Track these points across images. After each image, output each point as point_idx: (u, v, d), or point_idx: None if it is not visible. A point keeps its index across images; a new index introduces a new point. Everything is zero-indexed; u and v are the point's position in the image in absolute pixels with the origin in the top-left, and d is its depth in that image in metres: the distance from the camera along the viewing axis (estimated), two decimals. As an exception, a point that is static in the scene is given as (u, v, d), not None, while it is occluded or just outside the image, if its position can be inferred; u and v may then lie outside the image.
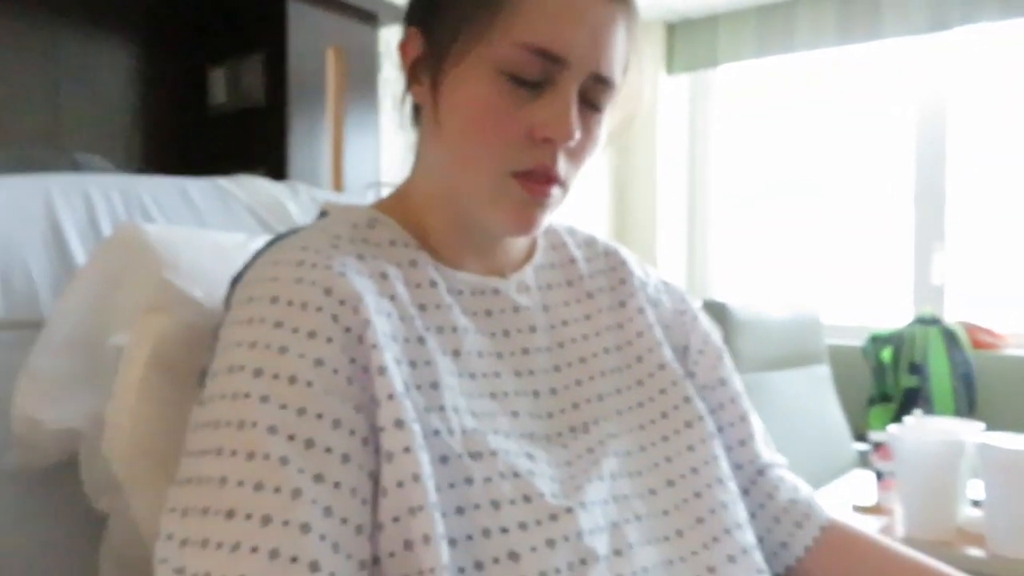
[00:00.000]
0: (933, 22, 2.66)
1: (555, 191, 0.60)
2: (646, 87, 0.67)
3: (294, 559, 0.46)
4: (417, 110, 0.66)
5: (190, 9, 1.84)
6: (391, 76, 2.24)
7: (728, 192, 3.25)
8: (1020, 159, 2.64)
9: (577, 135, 0.57)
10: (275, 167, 1.72)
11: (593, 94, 0.59)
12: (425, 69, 0.61)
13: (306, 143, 1.80)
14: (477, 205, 0.60)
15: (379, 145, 1.96)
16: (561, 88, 0.57)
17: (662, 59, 3.17)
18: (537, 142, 0.57)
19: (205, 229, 0.89)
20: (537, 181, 0.58)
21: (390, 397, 0.52)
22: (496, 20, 0.56)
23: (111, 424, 0.64)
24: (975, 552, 1.14)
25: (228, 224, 0.96)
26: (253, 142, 1.82)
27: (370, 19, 1.91)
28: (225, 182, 1.02)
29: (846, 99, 2.97)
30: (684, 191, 3.29)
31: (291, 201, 1.04)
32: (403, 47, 0.62)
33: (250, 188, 1.03)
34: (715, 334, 0.76)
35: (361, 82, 1.91)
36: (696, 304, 0.78)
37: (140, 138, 1.83)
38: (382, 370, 0.52)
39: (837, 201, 2.98)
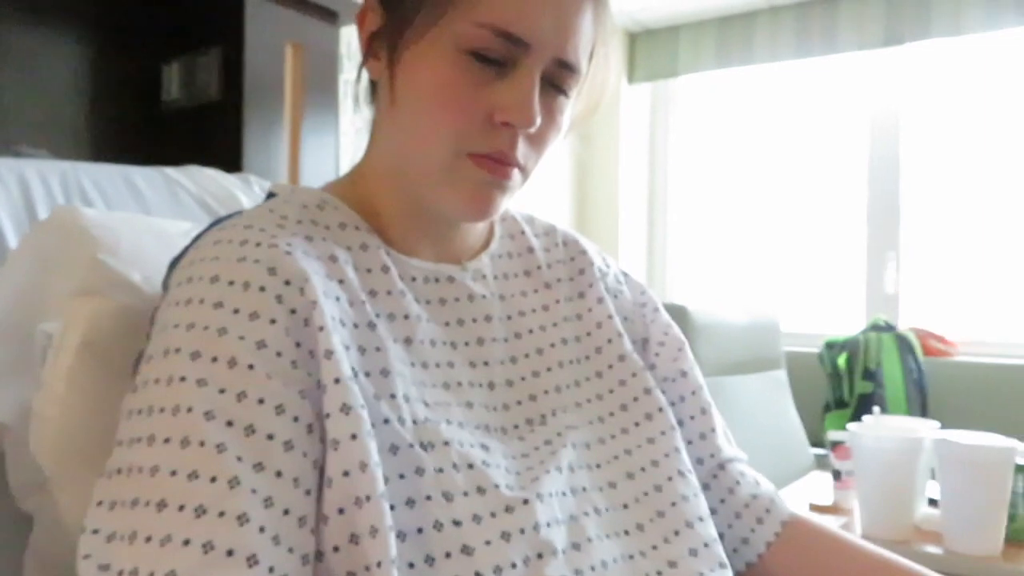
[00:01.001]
0: (887, 37, 2.73)
1: (514, 174, 0.57)
2: (612, 76, 0.65)
3: (230, 552, 0.43)
4: (374, 87, 0.63)
5: (143, 3, 1.79)
6: (352, 76, 2.21)
7: (687, 200, 3.28)
8: (971, 170, 2.71)
9: (538, 121, 0.55)
10: (230, 165, 1.67)
11: (557, 79, 0.57)
12: (383, 43, 0.58)
13: (262, 141, 1.75)
14: (431, 186, 0.58)
15: (338, 145, 1.92)
16: (523, 72, 0.55)
17: (623, 68, 3.19)
18: (496, 126, 0.55)
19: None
20: (496, 161, 0.56)
21: (337, 381, 0.49)
22: None
23: (38, 416, 0.60)
24: (932, 549, 1.15)
25: (176, 214, 0.92)
26: (208, 139, 1.77)
27: (331, 17, 1.87)
28: (173, 172, 0.98)
29: (803, 110, 3.03)
30: (645, 199, 3.31)
31: (243, 193, 1.00)
32: (360, 18, 0.60)
33: (200, 178, 0.99)
34: (675, 326, 0.74)
35: (320, 81, 1.87)
36: (656, 297, 0.77)
37: (90, 134, 1.77)
38: (329, 354, 0.50)
39: (793, 209, 3.03)
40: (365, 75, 0.62)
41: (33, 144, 1.58)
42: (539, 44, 0.54)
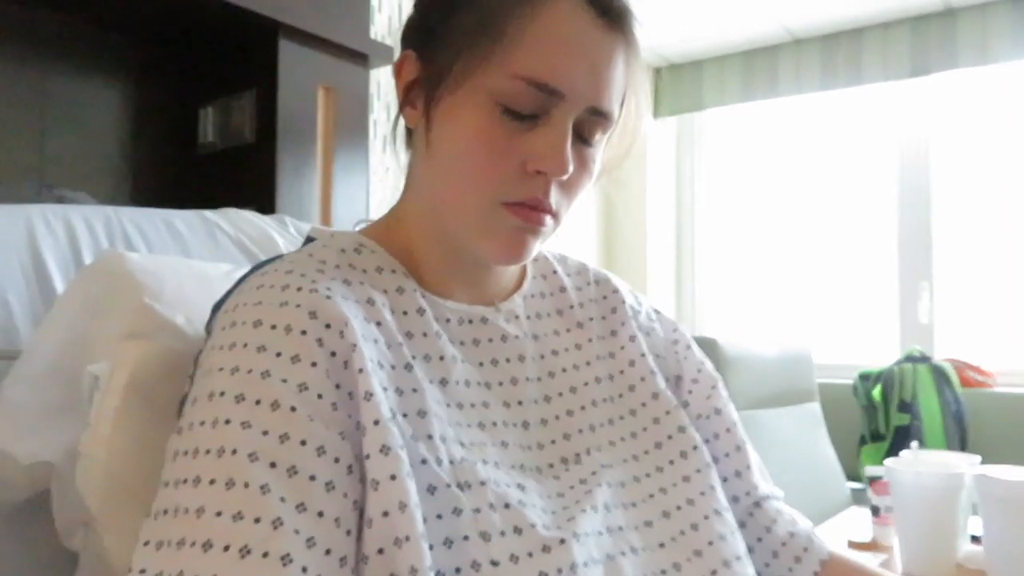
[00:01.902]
0: (913, 68, 2.73)
1: (548, 220, 0.59)
2: (643, 122, 0.66)
3: None
4: (410, 133, 0.65)
5: (181, 48, 1.85)
6: (381, 117, 2.25)
7: (716, 232, 3.27)
8: (1002, 197, 2.67)
9: (571, 169, 0.56)
10: (264, 206, 1.71)
11: (589, 127, 0.58)
12: (419, 93, 0.60)
13: (295, 182, 1.79)
14: (466, 233, 0.59)
15: (368, 185, 1.96)
16: (556, 121, 0.56)
17: (648, 103, 3.22)
18: (530, 174, 0.57)
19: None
20: (531, 209, 0.57)
21: (376, 423, 0.50)
22: (495, 50, 0.55)
23: (85, 455, 0.61)
24: (976, 589, 1.12)
25: (214, 256, 0.94)
26: (242, 181, 1.81)
27: (361, 60, 1.92)
28: (211, 214, 1.01)
29: (830, 141, 3.02)
30: (672, 232, 3.31)
31: (278, 234, 1.03)
32: (398, 68, 0.62)
33: (237, 221, 1.02)
34: (709, 363, 0.75)
35: (351, 122, 1.92)
36: (688, 333, 0.77)
37: (128, 177, 1.82)
38: (368, 395, 0.51)
39: (823, 240, 3.00)
40: (402, 121, 0.64)
41: (74, 187, 1.64)
42: (573, 94, 0.56)
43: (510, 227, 0.58)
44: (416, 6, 0.64)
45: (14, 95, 1.60)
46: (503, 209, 0.57)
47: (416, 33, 0.62)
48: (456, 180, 0.58)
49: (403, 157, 0.66)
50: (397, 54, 0.64)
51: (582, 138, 0.58)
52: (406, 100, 0.61)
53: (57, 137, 1.68)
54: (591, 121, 0.58)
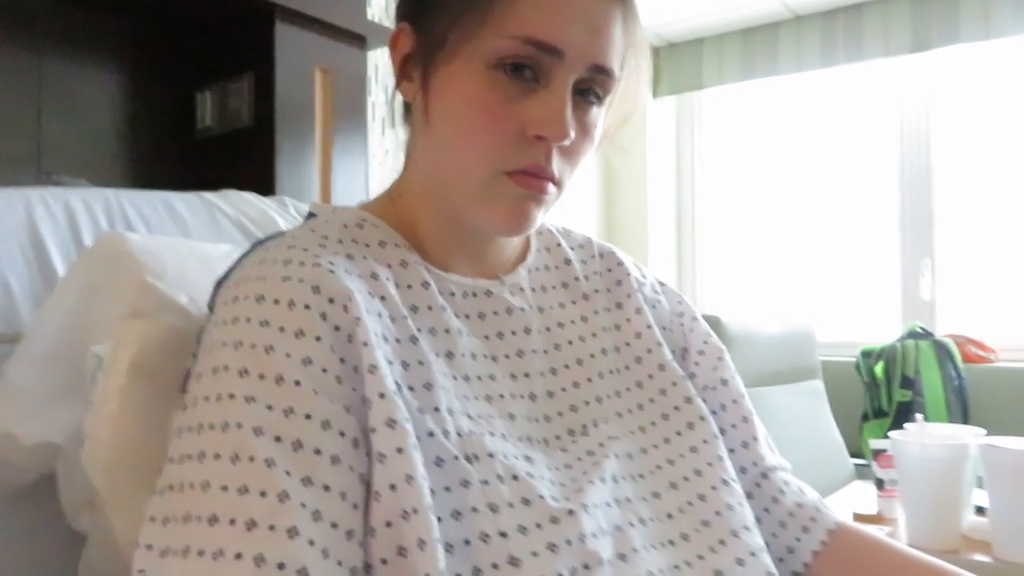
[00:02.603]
0: (914, 43, 2.71)
1: (550, 188, 0.57)
2: (644, 85, 0.65)
3: (281, 565, 0.43)
4: (407, 108, 0.64)
5: (176, 33, 1.84)
6: (380, 99, 2.24)
7: (717, 211, 3.26)
8: (1004, 173, 2.66)
9: (572, 134, 0.55)
10: (263, 188, 1.70)
11: (591, 87, 0.57)
12: (416, 65, 0.59)
13: (294, 165, 1.78)
14: (469, 204, 0.58)
15: (368, 168, 1.95)
16: (556, 84, 0.55)
17: (648, 82, 3.20)
18: (530, 140, 0.55)
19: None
20: (533, 176, 0.56)
21: (381, 396, 0.50)
22: (491, 13, 0.54)
23: (90, 436, 0.61)
24: (981, 558, 1.12)
25: (215, 238, 0.94)
26: (241, 165, 1.80)
27: (359, 41, 1.91)
28: (212, 196, 1.01)
29: (831, 118, 3.00)
30: (673, 211, 3.31)
31: (279, 215, 1.02)
32: (393, 42, 0.61)
33: (237, 202, 1.01)
34: (715, 336, 0.74)
35: (349, 104, 1.90)
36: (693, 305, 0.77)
37: (126, 162, 1.82)
38: (373, 369, 0.50)
39: (825, 218, 3.00)
40: (399, 96, 0.64)
41: (71, 173, 1.63)
42: (572, 52, 0.54)
43: (512, 196, 0.56)
44: None
45: (10, 81, 1.59)
46: (504, 178, 0.56)
47: (409, 5, 0.61)
48: (456, 150, 0.57)
49: (402, 134, 0.66)
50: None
51: (584, 101, 0.57)
52: (403, 74, 0.61)
53: (54, 123, 1.67)
54: (594, 80, 0.57)
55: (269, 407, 0.47)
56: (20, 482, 0.67)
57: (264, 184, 1.73)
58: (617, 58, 0.58)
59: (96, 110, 1.76)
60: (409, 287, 0.58)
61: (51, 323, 0.69)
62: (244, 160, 1.80)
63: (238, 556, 0.43)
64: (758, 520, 0.67)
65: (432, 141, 0.59)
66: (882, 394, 2.34)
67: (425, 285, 0.59)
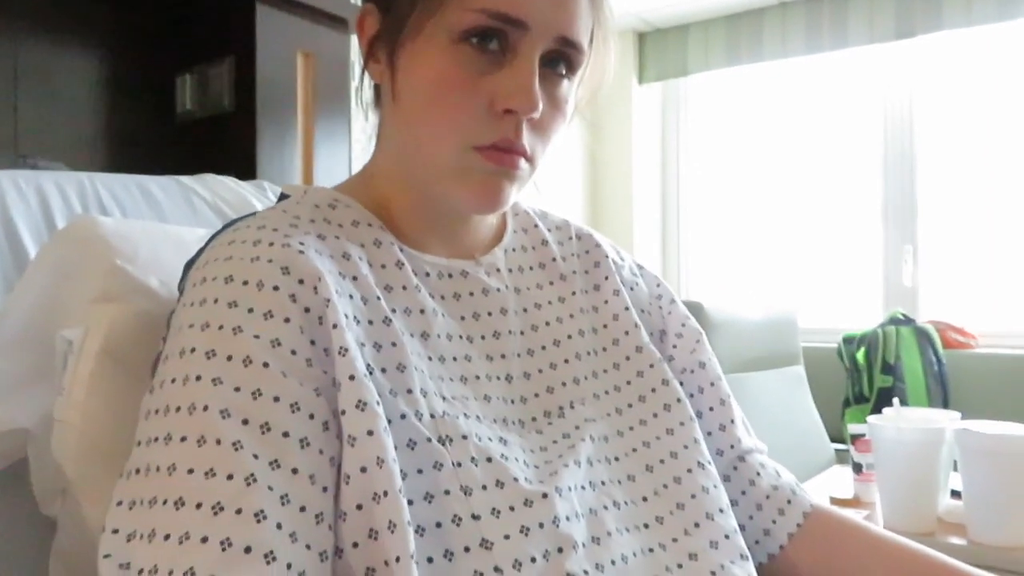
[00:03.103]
0: (898, 30, 2.71)
1: (522, 164, 0.57)
2: (611, 59, 0.64)
3: (248, 549, 0.43)
4: (378, 90, 0.63)
5: (156, 15, 1.81)
6: (365, 83, 2.20)
7: (701, 197, 3.27)
8: (986, 161, 2.68)
9: (540, 106, 0.54)
10: (244, 174, 1.69)
11: (558, 59, 0.56)
12: (382, 45, 0.59)
13: (276, 149, 1.77)
14: (440, 182, 0.58)
15: (351, 152, 1.93)
16: (522, 56, 0.54)
17: (633, 69, 3.19)
18: (499, 114, 0.54)
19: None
20: (504, 151, 0.55)
21: (351, 378, 0.49)
22: None
23: (60, 421, 0.60)
24: (956, 540, 1.14)
25: (192, 222, 0.93)
26: (221, 149, 1.79)
27: (341, 25, 1.89)
28: (188, 180, 1.00)
29: (815, 105, 3.01)
30: (658, 197, 3.31)
31: (257, 199, 1.01)
32: (360, 24, 0.60)
33: (214, 186, 1.00)
34: (692, 319, 0.74)
35: (332, 88, 1.89)
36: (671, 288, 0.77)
37: (105, 146, 1.79)
38: (343, 351, 0.50)
39: (808, 204, 3.01)
40: (368, 79, 0.63)
41: (49, 157, 1.60)
42: (538, 24, 0.54)
43: (483, 172, 0.56)
44: None
45: (-17, 63, 1.56)
46: (474, 153, 0.55)
47: None
48: (424, 127, 0.56)
49: (372, 117, 0.65)
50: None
51: (553, 74, 0.57)
52: (370, 55, 0.60)
53: (31, 107, 1.64)
54: (562, 53, 0.56)
55: (236, 389, 0.47)
56: (-9, 468, 0.66)
57: (245, 169, 1.71)
58: (585, 31, 0.57)
59: (74, 94, 1.73)
60: (383, 267, 0.58)
61: (21, 307, 0.68)
62: (225, 144, 1.78)
63: (204, 539, 0.43)
64: (735, 503, 0.67)
65: (400, 119, 0.59)
66: (863, 379, 2.36)
67: (399, 265, 0.59)
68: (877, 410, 2.22)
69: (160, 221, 0.90)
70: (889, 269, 2.82)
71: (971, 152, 2.71)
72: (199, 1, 1.76)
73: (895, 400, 1.31)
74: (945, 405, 2.30)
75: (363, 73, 0.62)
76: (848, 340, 2.44)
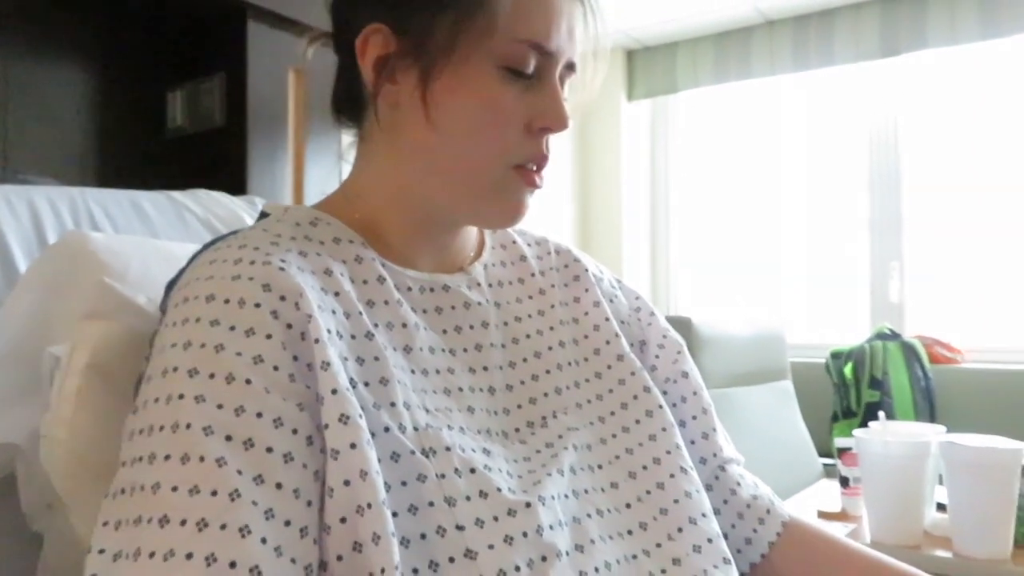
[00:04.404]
0: (884, 48, 2.75)
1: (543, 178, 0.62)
2: (602, 68, 0.67)
3: (232, 564, 0.43)
4: (360, 107, 0.64)
5: (148, 31, 1.82)
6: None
7: (690, 214, 3.29)
8: (972, 177, 2.71)
9: (570, 123, 0.60)
10: (235, 190, 1.69)
11: (562, 80, 0.62)
12: (402, 67, 0.59)
13: (267, 165, 1.78)
14: (475, 200, 0.61)
15: (341, 167, 1.94)
16: (548, 80, 0.60)
17: (623, 86, 3.22)
18: (533, 133, 0.59)
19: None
20: (535, 171, 0.60)
21: (334, 392, 0.50)
22: (495, 17, 0.57)
23: (48, 437, 0.61)
24: (941, 553, 1.15)
25: (183, 238, 0.93)
26: (213, 165, 1.79)
27: (332, 40, 1.90)
28: (180, 195, 1.00)
29: (802, 122, 3.05)
30: (647, 213, 3.33)
31: (248, 214, 1.02)
32: (363, 44, 0.60)
33: (206, 201, 1.01)
34: (673, 331, 0.75)
35: (324, 104, 1.89)
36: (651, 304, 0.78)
37: (97, 162, 1.80)
38: (325, 365, 0.50)
39: (796, 221, 3.03)
40: (348, 95, 0.64)
41: (40, 172, 1.61)
42: (558, 53, 0.60)
43: (518, 191, 0.61)
44: None
45: (-26, 80, 1.57)
46: (513, 172, 0.60)
47: (382, 5, 0.60)
48: (468, 147, 0.59)
49: (348, 136, 0.66)
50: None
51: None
52: (382, 76, 0.60)
53: (21, 123, 1.65)
54: (564, 76, 0.62)
55: (219, 406, 0.47)
56: (-22, 482, 0.66)
57: (236, 185, 1.72)
58: (578, 54, 0.62)
59: (65, 109, 1.74)
60: (365, 282, 0.59)
61: (10, 323, 0.68)
62: (216, 160, 1.79)
63: (189, 556, 0.43)
64: (717, 511, 0.68)
65: (433, 140, 0.59)
66: (851, 394, 2.37)
67: (381, 280, 0.59)
68: (865, 425, 2.23)
69: (152, 236, 0.91)
70: (876, 285, 2.85)
71: (956, 168, 2.75)
72: (190, 17, 1.77)
73: (881, 414, 1.32)
74: (932, 420, 2.32)
75: (340, 88, 0.63)
76: (836, 355, 2.46)
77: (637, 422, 0.65)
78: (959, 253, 2.73)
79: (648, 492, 0.61)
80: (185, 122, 1.85)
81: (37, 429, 0.62)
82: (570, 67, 0.62)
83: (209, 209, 1.00)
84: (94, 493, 0.59)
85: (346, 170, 0.68)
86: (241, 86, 1.74)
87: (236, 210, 1.02)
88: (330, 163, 1.91)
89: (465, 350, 0.61)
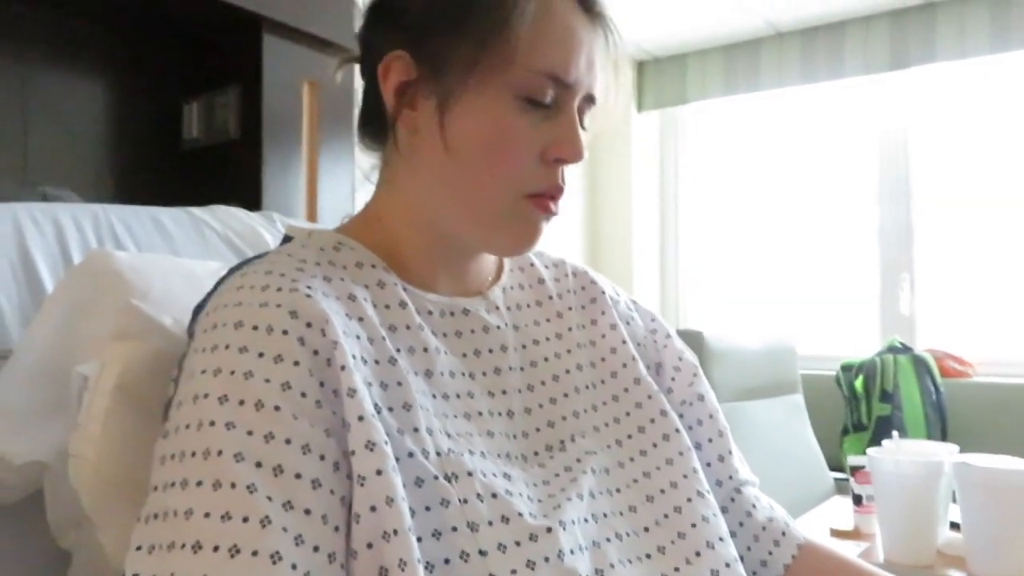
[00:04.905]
0: (893, 61, 2.76)
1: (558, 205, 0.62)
2: (621, 101, 0.68)
3: None
4: (382, 131, 0.65)
5: (164, 44, 1.84)
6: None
7: (700, 226, 3.29)
8: (981, 189, 2.71)
9: (586, 154, 0.61)
10: (249, 202, 1.71)
11: (581, 112, 0.62)
12: (421, 93, 0.60)
13: (280, 177, 1.79)
14: (484, 226, 0.61)
15: (354, 179, 1.96)
16: (565, 111, 0.60)
17: (632, 97, 3.23)
18: (548, 163, 0.60)
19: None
20: (549, 199, 0.61)
21: (360, 419, 0.51)
22: (514, 48, 0.57)
23: (76, 455, 0.62)
24: (955, 574, 1.14)
25: (203, 254, 0.94)
26: (227, 177, 1.80)
27: (347, 54, 1.92)
28: (199, 211, 1.01)
29: (811, 134, 3.05)
30: (657, 225, 3.34)
31: (266, 230, 1.03)
32: (385, 70, 0.61)
33: (225, 217, 1.02)
34: (688, 352, 0.76)
35: (336, 116, 1.91)
36: (667, 325, 0.78)
37: (112, 173, 1.81)
38: (352, 392, 0.51)
39: (805, 233, 3.03)
40: (376, 118, 0.65)
41: (57, 184, 1.62)
42: (577, 84, 0.60)
43: (531, 218, 0.61)
44: (391, 4, 0.63)
45: (-5, 91, 1.59)
46: (526, 202, 0.60)
47: (406, 34, 0.61)
48: (481, 175, 0.60)
49: (371, 158, 0.67)
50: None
51: (580, 123, 0.62)
52: (402, 102, 0.61)
53: (40, 133, 1.66)
54: (584, 107, 0.62)
55: (249, 433, 0.48)
56: (8, 500, 0.67)
57: (250, 196, 1.73)
58: (599, 85, 0.62)
59: (82, 120, 1.75)
60: (387, 307, 0.60)
61: (38, 341, 0.69)
62: (230, 172, 1.80)
63: None
64: (733, 534, 0.68)
65: (447, 166, 0.60)
66: (862, 408, 2.37)
67: (402, 305, 0.60)
68: (876, 438, 2.24)
69: (172, 252, 0.92)
70: (886, 297, 2.84)
71: (966, 181, 2.75)
72: (206, 30, 1.79)
73: (894, 433, 1.32)
74: (943, 434, 2.31)
75: (365, 113, 0.64)
76: (846, 368, 2.45)
77: (654, 445, 0.65)
78: (969, 265, 2.72)
79: (666, 516, 0.61)
80: (200, 134, 1.86)
81: (65, 447, 0.63)
82: (589, 99, 0.62)
83: (228, 225, 1.01)
84: (121, 511, 0.60)
85: (366, 187, 0.69)
86: (256, 98, 1.76)
87: (254, 226, 1.03)
88: (343, 174, 1.92)
89: (484, 374, 0.62)
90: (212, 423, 0.49)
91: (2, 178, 1.61)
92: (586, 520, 0.57)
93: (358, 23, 0.69)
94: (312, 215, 1.86)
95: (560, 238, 3.06)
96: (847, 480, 1.46)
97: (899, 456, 1.22)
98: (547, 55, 0.58)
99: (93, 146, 1.77)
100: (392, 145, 0.64)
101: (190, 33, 1.80)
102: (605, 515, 0.59)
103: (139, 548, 0.47)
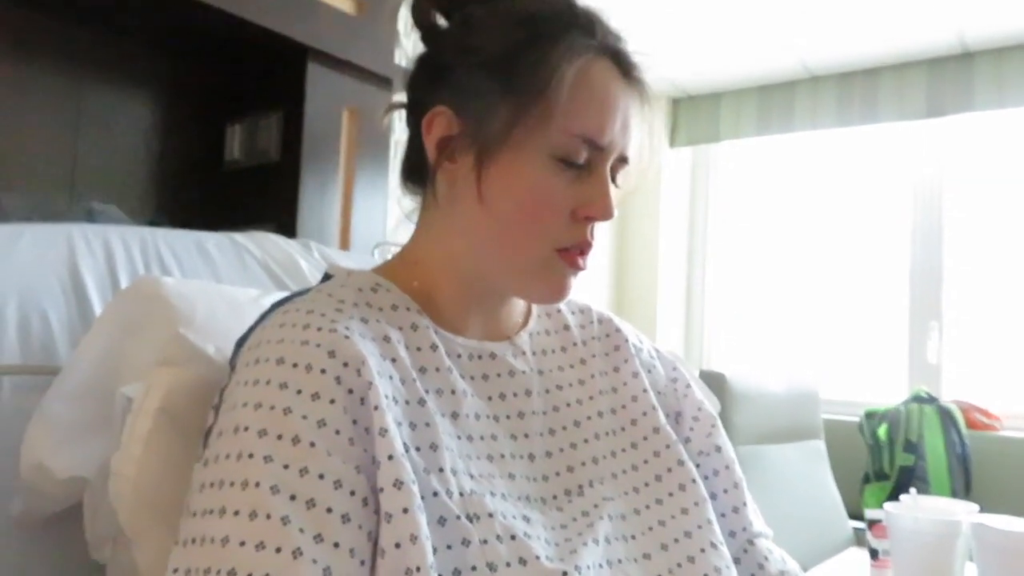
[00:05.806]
0: (929, 109, 2.75)
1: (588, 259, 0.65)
2: (653, 161, 0.71)
3: None
4: (423, 178, 0.68)
5: (211, 68, 1.91)
6: (403, 138, 2.28)
7: (727, 265, 3.29)
8: (1014, 240, 2.69)
9: (616, 213, 0.64)
10: (285, 223, 1.76)
11: (614, 172, 0.65)
12: (461, 148, 0.63)
13: (317, 201, 1.84)
14: (517, 277, 0.65)
15: (387, 205, 2.00)
16: (598, 172, 0.63)
17: (665, 132, 3.26)
18: (579, 220, 0.63)
19: (220, 283, 0.92)
20: (580, 254, 0.64)
21: (390, 458, 0.53)
22: (551, 110, 0.61)
23: (117, 474, 0.65)
24: (969, 637, 1.13)
25: (243, 279, 0.98)
26: (265, 198, 1.86)
27: (385, 83, 1.97)
28: (241, 237, 1.05)
29: (844, 178, 3.04)
30: (684, 264, 3.34)
31: (303, 258, 1.07)
32: (428, 124, 0.64)
33: (265, 244, 1.06)
34: (707, 402, 0.78)
35: (373, 143, 1.96)
36: (688, 372, 0.80)
37: (155, 190, 1.87)
38: (383, 431, 0.54)
39: (835, 277, 3.02)
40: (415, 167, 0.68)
41: (103, 198, 1.68)
42: (611, 146, 0.64)
43: (561, 272, 0.64)
44: (437, 61, 0.67)
45: (51, 108, 1.65)
46: (556, 255, 0.63)
47: (448, 91, 0.64)
48: (515, 229, 0.63)
49: (410, 201, 0.70)
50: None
51: (612, 181, 0.65)
52: (443, 155, 0.64)
53: (89, 150, 1.73)
54: (617, 167, 0.65)
55: (285, 466, 0.51)
56: (49, 511, 0.71)
57: (286, 218, 1.78)
58: (635, 144, 0.65)
59: (130, 139, 1.82)
60: (419, 349, 0.62)
61: (86, 360, 0.73)
62: (268, 194, 1.85)
63: None
64: (744, 588, 0.70)
65: (483, 218, 0.63)
66: (884, 457, 2.34)
67: (433, 347, 0.63)
68: (897, 488, 2.20)
69: (214, 277, 0.96)
70: (914, 344, 2.81)
71: (999, 231, 2.72)
72: (253, 56, 1.85)
73: (912, 489, 1.32)
74: (967, 487, 2.27)
75: (433, 167, 0.66)
76: (870, 415, 2.43)
77: (670, 495, 0.67)
78: (999, 316, 2.69)
79: (679, 565, 0.63)
80: (242, 155, 1.92)
81: (106, 465, 0.67)
82: (623, 159, 0.65)
83: (267, 252, 1.05)
84: (157, 530, 0.63)
85: (395, 213, 0.73)
86: (297, 123, 1.81)
87: (292, 253, 1.07)
88: (377, 200, 1.96)
89: (508, 417, 0.65)
90: (251, 455, 0.51)
91: (51, 189, 1.68)
92: (601, 566, 0.59)
93: (399, 55, 0.73)
94: (345, 238, 1.90)
95: (586, 274, 3.07)
96: (866, 530, 1.45)
97: (917, 513, 1.22)
98: (583, 119, 0.61)
99: (139, 163, 1.84)
100: (431, 193, 0.67)
101: (238, 59, 1.87)
102: (620, 561, 0.60)
103: (176, 571, 0.50)
